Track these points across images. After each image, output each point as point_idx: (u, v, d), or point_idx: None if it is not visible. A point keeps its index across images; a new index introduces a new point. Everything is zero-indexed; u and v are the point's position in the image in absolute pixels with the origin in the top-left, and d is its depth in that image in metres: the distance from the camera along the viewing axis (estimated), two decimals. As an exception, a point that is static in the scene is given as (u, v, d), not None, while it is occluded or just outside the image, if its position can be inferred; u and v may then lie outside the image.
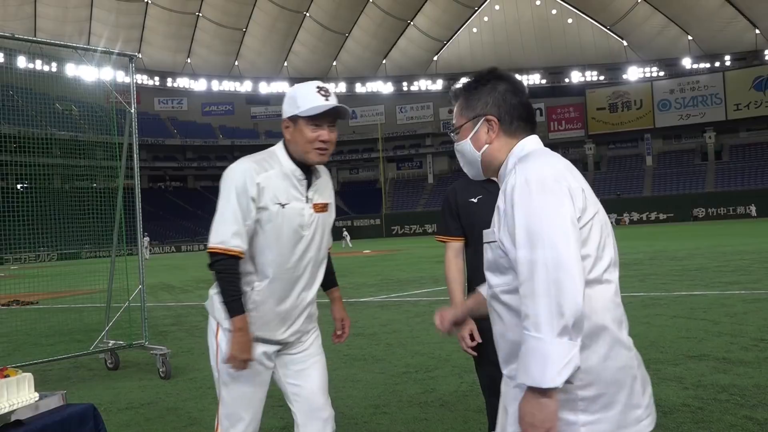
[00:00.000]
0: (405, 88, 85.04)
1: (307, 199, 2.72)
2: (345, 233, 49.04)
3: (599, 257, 1.73)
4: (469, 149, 1.96)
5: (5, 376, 2.26)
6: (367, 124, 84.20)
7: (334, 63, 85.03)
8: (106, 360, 7.19)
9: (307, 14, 78.61)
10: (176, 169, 79.25)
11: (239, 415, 2.72)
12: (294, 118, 2.63)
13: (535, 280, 1.60)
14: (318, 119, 2.61)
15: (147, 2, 72.66)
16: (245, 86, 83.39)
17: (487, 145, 1.93)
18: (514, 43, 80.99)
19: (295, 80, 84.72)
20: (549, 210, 1.64)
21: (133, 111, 7.35)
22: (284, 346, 2.82)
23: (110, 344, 7.09)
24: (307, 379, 2.83)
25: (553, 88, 79.48)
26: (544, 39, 79.91)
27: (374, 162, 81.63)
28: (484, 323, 3.01)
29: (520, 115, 1.93)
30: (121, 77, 9.20)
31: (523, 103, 1.94)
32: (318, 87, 2.66)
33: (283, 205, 2.66)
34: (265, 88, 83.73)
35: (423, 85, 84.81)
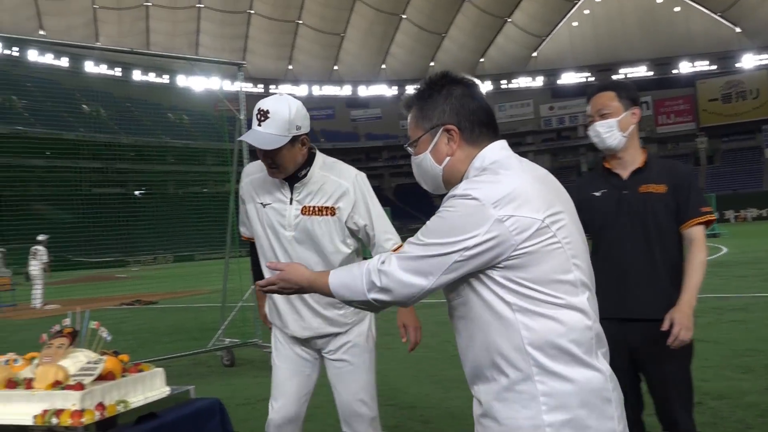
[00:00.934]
0: (504, 86, 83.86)
1: (292, 201, 2.85)
2: None
3: (558, 281, 1.62)
4: (429, 163, 1.80)
5: (140, 371, 2.37)
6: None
7: (432, 63, 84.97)
8: (222, 357, 7.46)
9: (404, 16, 78.97)
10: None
11: (274, 394, 3.02)
12: None
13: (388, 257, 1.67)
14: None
15: (250, 13, 75.22)
16: (345, 90, 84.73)
17: (448, 158, 1.77)
18: (618, 36, 78.24)
19: (393, 82, 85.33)
20: (447, 236, 1.61)
21: (242, 117, 7.59)
22: (316, 344, 2.97)
23: (226, 342, 7.36)
24: (342, 385, 2.98)
25: (660, 80, 76.20)
26: (650, 29, 76.75)
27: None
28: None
29: (481, 121, 1.77)
30: (228, 86, 9.53)
31: (482, 107, 1.79)
32: (259, 110, 2.74)
33: (264, 205, 2.88)
34: (364, 92, 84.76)
35: (522, 82, 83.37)
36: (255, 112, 2.75)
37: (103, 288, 23.53)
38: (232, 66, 8.22)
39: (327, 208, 2.84)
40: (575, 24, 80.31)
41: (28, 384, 2.17)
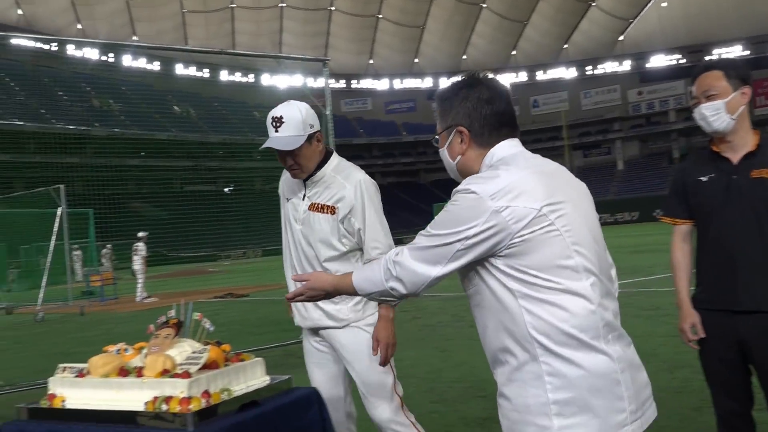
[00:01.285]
0: (589, 72, 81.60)
1: (304, 197, 3.08)
2: None
3: (559, 266, 1.71)
4: (446, 158, 1.97)
5: (241, 360, 2.46)
6: (549, 112, 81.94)
7: (513, 52, 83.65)
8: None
9: (485, 6, 77.99)
10: (363, 167, 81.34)
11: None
12: None
13: (395, 254, 1.83)
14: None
15: (331, 9, 76.10)
16: (426, 82, 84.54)
17: (460, 156, 1.93)
18: (710, 14, 74.63)
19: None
20: (450, 227, 1.74)
21: (328, 113, 7.69)
22: (324, 337, 3.16)
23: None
24: (355, 362, 3.12)
25: (757, 60, 72.18)
26: (745, 6, 72.82)
27: (558, 151, 79.17)
28: (708, 317, 2.78)
29: (493, 125, 1.89)
30: (310, 82, 9.66)
31: (497, 111, 1.89)
32: (273, 118, 2.94)
33: (288, 200, 3.17)
34: (445, 83, 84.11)
35: (609, 67, 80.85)
36: (269, 121, 2.94)
37: (196, 282, 24.45)
38: (317, 62, 8.34)
39: (328, 206, 3.03)
40: (664, 4, 77.11)
41: (139, 372, 2.28)
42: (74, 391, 2.34)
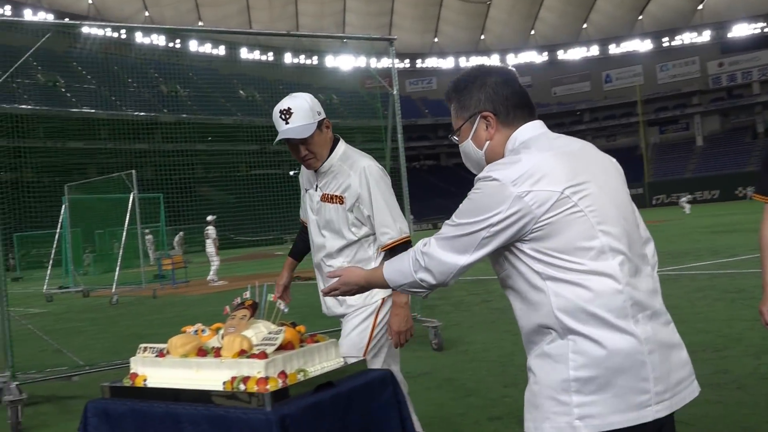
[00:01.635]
0: (666, 44, 78.83)
1: (317, 188, 3.16)
2: (683, 200, 47.99)
3: (582, 248, 1.73)
4: (472, 149, 1.98)
5: (316, 341, 2.50)
6: (623, 86, 79.65)
7: (585, 26, 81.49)
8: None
9: (554, -23, 76.15)
10: (429, 148, 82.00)
11: None
12: None
13: (424, 245, 1.88)
14: (286, 142, 3.01)
15: (394, -12, 75.79)
16: (493, 60, 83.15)
17: (488, 142, 1.95)
18: (799, -22, 70.91)
19: (543, 48, 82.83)
20: (475, 215, 1.78)
21: (395, 93, 7.68)
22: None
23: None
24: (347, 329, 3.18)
25: None
26: (838, -32, 68.91)
27: (633, 127, 76.99)
28: None
29: (516, 104, 1.93)
30: (374, 63, 9.65)
31: (516, 91, 1.94)
32: (280, 111, 3.00)
33: (306, 190, 3.27)
34: (512, 60, 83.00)
35: (687, 38, 77.90)
36: (276, 116, 3.00)
37: (263, 265, 24.96)
38: (382, 42, 8.31)
39: (336, 196, 3.10)
40: (747, -31, 73.69)
41: (217, 352, 2.35)
42: (155, 370, 2.43)
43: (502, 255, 1.84)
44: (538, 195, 1.73)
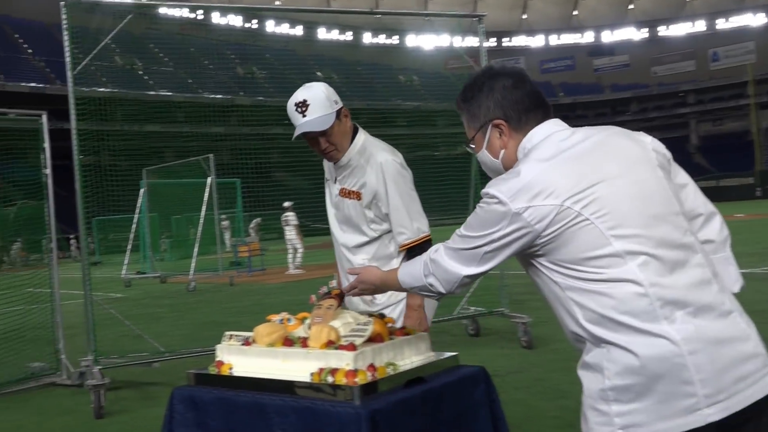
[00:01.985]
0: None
1: (336, 180, 3.18)
2: None
3: (592, 258, 1.74)
4: (488, 159, 2.01)
5: (406, 334, 2.51)
6: (732, 65, 76.28)
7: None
8: (467, 326, 7.66)
9: (656, -54, 73.55)
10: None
11: None
12: None
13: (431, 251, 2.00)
14: (304, 136, 3.00)
15: (481, -39, 74.86)
16: (586, 37, 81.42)
17: (503, 150, 1.97)
18: None
19: (643, 24, 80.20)
20: (477, 230, 1.85)
21: (483, 73, 7.59)
22: None
23: (471, 310, 7.54)
24: None
25: None
26: None
27: (743, 110, 73.61)
28: None
29: (527, 107, 1.93)
30: (458, 42, 9.56)
31: (527, 93, 1.94)
32: (296, 104, 2.98)
33: (327, 181, 3.28)
34: (608, 37, 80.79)
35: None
36: (292, 110, 2.99)
37: (341, 254, 25.21)
38: (468, 20, 8.24)
39: (354, 192, 3.11)
40: None
41: (304, 342, 2.40)
42: (241, 358, 2.50)
43: (527, 264, 1.89)
44: (537, 210, 1.76)
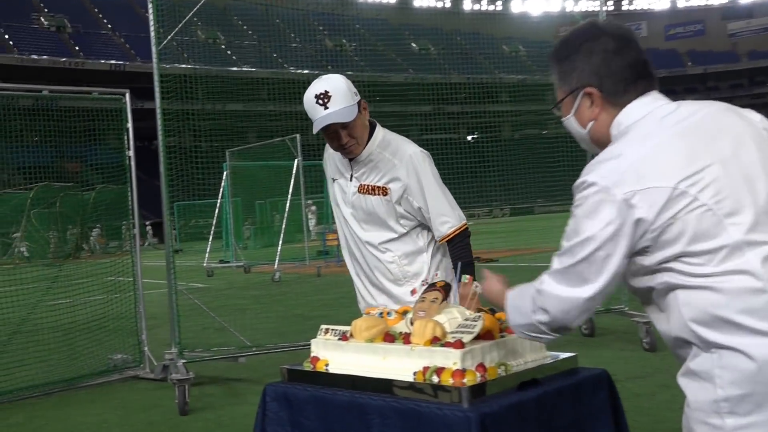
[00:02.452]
0: None
1: (351, 177, 3.26)
2: None
3: (708, 250, 1.65)
4: (575, 127, 1.94)
5: (520, 332, 2.49)
6: None
7: None
8: (581, 325, 7.54)
9: None
10: (636, 107, 78.71)
11: None
12: None
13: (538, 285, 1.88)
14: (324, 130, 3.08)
15: None
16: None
17: (592, 122, 1.89)
18: None
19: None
20: (582, 234, 1.74)
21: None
22: None
23: (586, 308, 7.42)
24: None
25: None
26: None
27: None
28: None
29: (628, 79, 1.83)
30: (570, 6, 9.35)
31: (630, 62, 1.83)
32: (316, 95, 3.05)
33: (334, 180, 3.37)
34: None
35: None
36: (312, 102, 3.07)
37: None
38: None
39: (379, 187, 3.21)
40: None
41: (406, 339, 2.42)
42: (338, 354, 2.55)
43: (624, 271, 1.81)
44: (648, 194, 1.67)
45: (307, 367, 2.60)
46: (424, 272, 3.31)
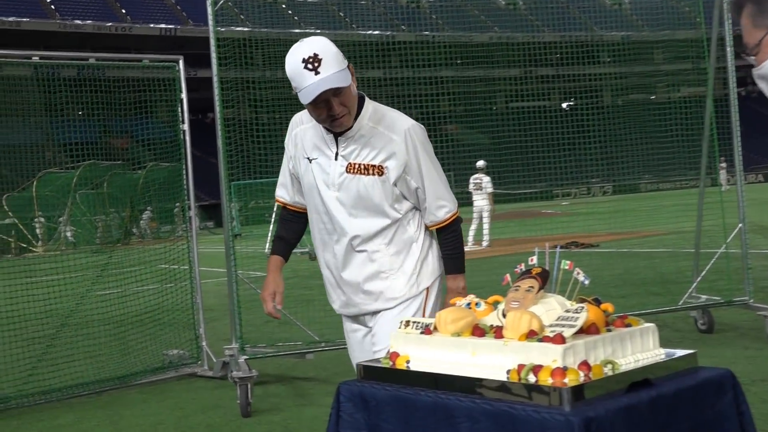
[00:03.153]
0: None
1: (337, 156, 3.18)
2: None
3: None
4: None
5: (627, 325, 2.46)
6: None
7: None
8: (696, 319, 7.42)
9: None
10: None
11: None
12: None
13: None
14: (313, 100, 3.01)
15: None
16: None
17: None
18: None
19: None
20: None
21: (723, -10, 7.21)
22: (367, 323, 3.40)
23: (702, 299, 7.28)
24: None
25: None
26: None
27: None
28: None
29: None
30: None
31: None
32: (304, 59, 2.98)
33: (310, 160, 3.26)
34: None
35: None
36: (299, 66, 3.00)
37: (529, 226, 25.01)
38: None
39: (374, 166, 3.15)
40: None
41: (498, 332, 2.41)
42: (420, 349, 2.56)
43: None
44: None
45: (386, 363, 2.62)
46: (412, 264, 3.29)
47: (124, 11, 58.84)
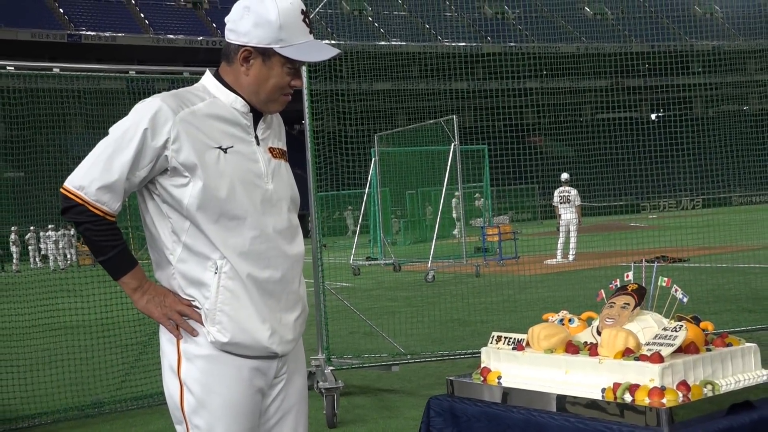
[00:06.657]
0: None
1: (258, 141, 2.59)
2: None
3: None
4: None
5: (727, 345, 2.40)
6: None
7: None
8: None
9: None
10: None
11: None
12: (266, 51, 2.48)
13: None
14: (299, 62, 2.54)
15: None
16: None
17: None
18: None
19: None
20: None
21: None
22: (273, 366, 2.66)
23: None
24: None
25: None
26: None
27: None
28: None
29: None
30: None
31: None
32: (303, 11, 2.52)
33: (225, 150, 2.50)
34: None
35: None
36: (300, 17, 2.51)
37: (615, 240, 24.64)
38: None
39: (284, 151, 2.71)
40: None
41: (592, 350, 2.38)
42: (512, 365, 2.54)
43: None
44: None
45: (477, 379, 2.61)
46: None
47: (215, 25, 60.14)
